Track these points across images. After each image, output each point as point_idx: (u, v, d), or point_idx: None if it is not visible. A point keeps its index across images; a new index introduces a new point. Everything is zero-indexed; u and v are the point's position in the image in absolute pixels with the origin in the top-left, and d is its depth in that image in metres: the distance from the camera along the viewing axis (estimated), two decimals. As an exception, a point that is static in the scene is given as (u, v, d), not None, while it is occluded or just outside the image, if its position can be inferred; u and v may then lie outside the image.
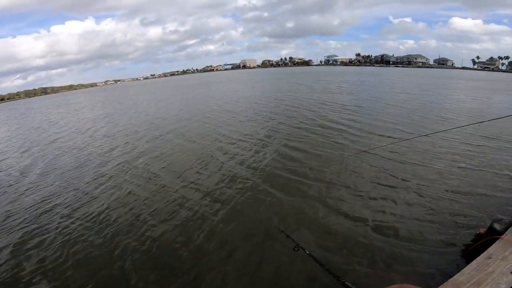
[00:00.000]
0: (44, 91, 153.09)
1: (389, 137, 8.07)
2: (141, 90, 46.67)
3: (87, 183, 6.75)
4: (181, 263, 3.46)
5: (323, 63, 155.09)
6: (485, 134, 8.00)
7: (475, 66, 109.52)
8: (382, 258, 3.23)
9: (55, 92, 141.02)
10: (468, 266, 2.32)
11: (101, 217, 4.90)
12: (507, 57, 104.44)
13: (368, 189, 4.96)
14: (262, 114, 13.19)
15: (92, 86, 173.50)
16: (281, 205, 4.68)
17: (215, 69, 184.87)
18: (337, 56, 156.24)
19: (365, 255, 3.29)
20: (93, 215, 5.03)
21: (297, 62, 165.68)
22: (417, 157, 6.42)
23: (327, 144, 7.66)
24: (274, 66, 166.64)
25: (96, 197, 5.82)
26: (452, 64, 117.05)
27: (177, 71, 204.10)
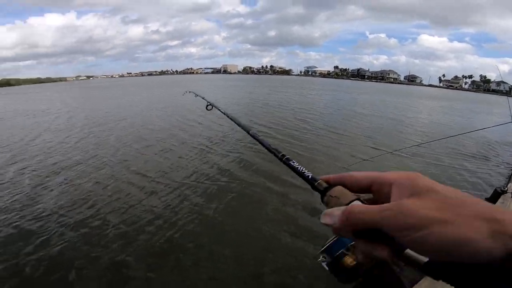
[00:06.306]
0: (8, 82, 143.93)
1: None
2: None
3: None
4: None
5: (302, 73, 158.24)
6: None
7: (441, 84, 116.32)
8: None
9: (20, 85, 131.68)
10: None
11: None
12: (470, 76, 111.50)
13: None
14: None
15: (61, 81, 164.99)
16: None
17: (195, 72, 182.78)
18: (316, 67, 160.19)
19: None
20: None
21: (278, 71, 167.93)
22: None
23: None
24: (255, 73, 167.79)
25: None
26: (421, 81, 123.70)
27: (155, 71, 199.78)
